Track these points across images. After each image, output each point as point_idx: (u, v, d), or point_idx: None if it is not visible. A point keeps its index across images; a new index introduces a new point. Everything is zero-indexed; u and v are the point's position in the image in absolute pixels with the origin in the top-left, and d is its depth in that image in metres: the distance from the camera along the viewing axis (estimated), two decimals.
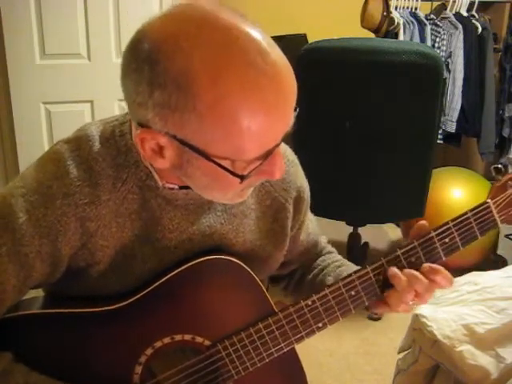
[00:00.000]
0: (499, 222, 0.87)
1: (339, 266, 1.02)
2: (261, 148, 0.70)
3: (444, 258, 0.87)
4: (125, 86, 0.72)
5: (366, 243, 2.86)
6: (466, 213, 0.87)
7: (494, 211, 0.87)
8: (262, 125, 0.67)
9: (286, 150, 0.96)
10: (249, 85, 0.65)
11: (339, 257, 1.08)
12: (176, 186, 0.82)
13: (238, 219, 0.89)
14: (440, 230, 0.86)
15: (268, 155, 0.71)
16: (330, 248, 1.11)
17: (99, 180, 0.79)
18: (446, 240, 0.86)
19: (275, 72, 0.67)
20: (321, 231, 1.09)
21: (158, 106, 0.67)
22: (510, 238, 2.78)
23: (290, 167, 0.94)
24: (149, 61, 0.66)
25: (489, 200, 0.87)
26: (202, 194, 0.80)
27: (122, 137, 0.81)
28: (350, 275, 0.87)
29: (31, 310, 0.85)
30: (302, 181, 0.97)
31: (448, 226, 0.86)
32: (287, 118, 0.70)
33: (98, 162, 0.79)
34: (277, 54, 0.68)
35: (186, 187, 0.82)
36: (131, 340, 0.84)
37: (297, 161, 0.97)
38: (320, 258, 1.07)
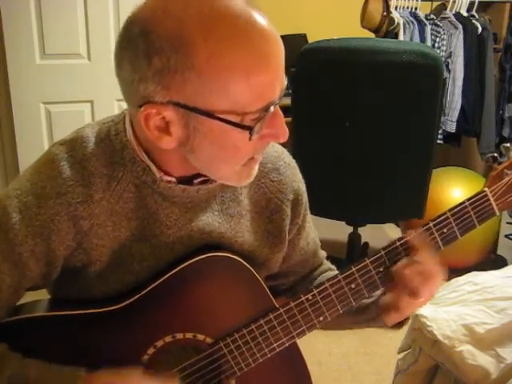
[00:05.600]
0: (497, 210, 0.88)
1: None
2: (261, 98, 0.71)
3: (442, 248, 0.88)
4: (121, 72, 0.73)
5: (366, 243, 2.86)
6: (463, 202, 0.87)
7: (492, 199, 0.87)
8: (259, 72, 0.69)
9: (283, 153, 0.95)
10: (240, 34, 0.68)
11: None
12: (173, 179, 0.82)
13: (236, 219, 0.89)
14: (438, 220, 0.87)
15: (269, 107, 0.72)
16: (330, 265, 1.09)
17: (92, 179, 0.79)
18: (444, 230, 0.87)
19: (261, 24, 0.70)
20: (320, 238, 1.07)
21: (158, 73, 0.68)
22: (510, 238, 2.79)
23: (286, 169, 0.94)
24: (142, 34, 0.69)
25: (486, 189, 0.87)
26: (210, 173, 0.80)
27: (116, 135, 0.82)
28: (349, 268, 0.87)
29: (32, 313, 0.84)
30: (299, 184, 0.96)
31: (446, 215, 0.87)
32: (280, 72, 0.72)
33: (91, 161, 0.80)
34: (258, 11, 0.71)
35: (184, 182, 0.82)
36: (133, 340, 0.85)
37: (294, 164, 0.97)
38: (324, 274, 1.05)
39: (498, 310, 1.40)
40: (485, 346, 1.33)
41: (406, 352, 1.55)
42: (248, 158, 0.77)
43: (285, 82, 0.74)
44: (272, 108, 0.72)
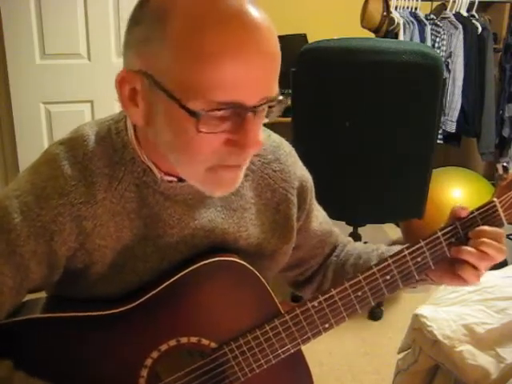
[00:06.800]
0: (505, 222, 0.86)
1: (375, 249, 1.02)
2: (228, 91, 0.66)
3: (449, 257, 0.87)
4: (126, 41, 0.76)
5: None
6: (472, 212, 0.86)
7: (500, 210, 0.85)
8: (231, 61, 0.66)
9: (281, 142, 0.95)
10: (223, 15, 0.66)
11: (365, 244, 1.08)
12: (174, 179, 0.81)
13: (239, 213, 0.88)
14: (446, 230, 0.86)
15: (235, 107, 0.68)
16: (349, 238, 1.10)
17: (94, 179, 0.79)
18: (453, 240, 0.86)
19: (251, 15, 0.68)
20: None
21: (136, 41, 0.71)
22: (510, 238, 2.78)
23: (287, 158, 0.94)
24: (140, 3, 0.72)
25: (495, 199, 0.86)
26: (179, 170, 0.77)
27: (117, 134, 0.81)
28: (356, 275, 0.87)
29: (33, 313, 0.83)
30: (302, 171, 0.96)
31: (454, 225, 0.86)
32: (264, 75, 0.68)
33: (92, 161, 0.79)
34: (256, 9, 0.69)
35: (184, 181, 0.81)
36: (137, 343, 0.84)
37: (294, 152, 0.97)
38: (348, 247, 1.06)
39: (497, 309, 1.40)
40: (485, 345, 1.33)
41: (406, 352, 1.55)
42: (211, 161, 0.72)
43: (273, 91, 0.70)
44: (241, 112, 0.68)
